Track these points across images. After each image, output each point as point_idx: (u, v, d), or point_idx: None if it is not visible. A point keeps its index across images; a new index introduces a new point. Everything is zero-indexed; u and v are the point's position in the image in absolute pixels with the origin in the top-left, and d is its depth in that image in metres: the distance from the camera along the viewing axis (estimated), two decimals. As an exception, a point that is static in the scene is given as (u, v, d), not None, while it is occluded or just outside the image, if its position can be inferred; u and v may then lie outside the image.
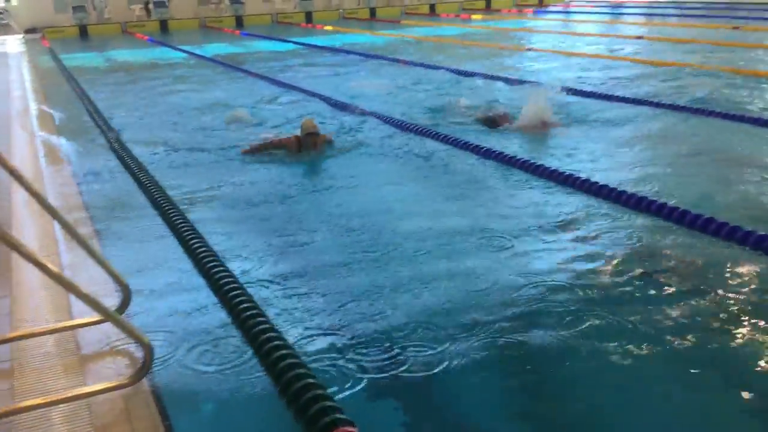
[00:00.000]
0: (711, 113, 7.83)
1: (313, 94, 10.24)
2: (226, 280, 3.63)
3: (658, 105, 8.45)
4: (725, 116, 7.67)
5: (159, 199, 5.28)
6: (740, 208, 5.02)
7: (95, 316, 3.22)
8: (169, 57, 16.99)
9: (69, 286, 2.68)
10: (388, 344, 3.30)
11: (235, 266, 4.08)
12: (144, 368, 2.83)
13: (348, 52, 15.94)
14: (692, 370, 3.15)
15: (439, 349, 3.25)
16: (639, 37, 16.46)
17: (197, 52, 17.30)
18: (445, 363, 3.15)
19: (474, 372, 3.11)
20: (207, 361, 3.17)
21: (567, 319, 3.51)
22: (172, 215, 4.82)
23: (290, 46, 18.04)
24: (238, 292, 3.49)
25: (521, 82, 10.46)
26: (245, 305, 3.35)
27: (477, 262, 4.23)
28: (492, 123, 7.80)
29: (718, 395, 3.00)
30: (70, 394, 2.79)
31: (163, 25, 25.77)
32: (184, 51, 17.67)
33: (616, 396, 3.00)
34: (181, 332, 3.44)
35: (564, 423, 2.87)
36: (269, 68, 13.56)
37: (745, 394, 2.96)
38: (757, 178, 5.74)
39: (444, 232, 4.75)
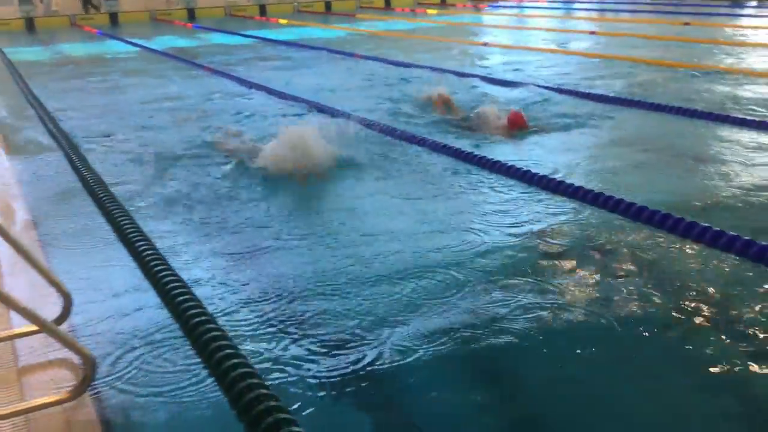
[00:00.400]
0: (665, 108, 7.91)
1: (270, 90, 10.05)
2: (174, 285, 3.47)
3: (613, 100, 8.51)
4: (678, 111, 7.75)
5: (105, 200, 5.07)
6: (695, 204, 5.06)
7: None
8: (119, 50, 16.57)
9: (4, 299, 2.52)
10: (349, 351, 3.20)
11: (186, 273, 3.91)
12: (85, 382, 2.68)
13: (304, 46, 15.75)
14: (645, 360, 3.17)
15: (402, 350, 3.18)
16: (592, 33, 16.63)
17: (149, 45, 16.91)
18: (407, 363, 3.08)
19: (436, 370, 3.06)
20: (156, 374, 3.03)
21: (528, 313, 3.49)
22: (119, 218, 4.63)
23: (245, 40, 17.75)
24: (187, 297, 3.34)
25: (483, 77, 10.43)
26: (194, 311, 3.21)
27: (438, 259, 4.17)
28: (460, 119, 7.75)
29: (670, 385, 2.99)
30: (9, 410, 2.63)
31: (113, 18, 25.15)
32: (135, 44, 17.25)
33: (574, 388, 2.98)
34: (128, 343, 3.29)
35: (521, 416, 2.83)
36: (223, 62, 13.30)
37: (695, 383, 2.98)
38: (710, 173, 5.79)
39: (404, 230, 4.69)
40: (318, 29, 20.25)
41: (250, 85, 10.59)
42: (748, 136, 6.86)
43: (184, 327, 3.17)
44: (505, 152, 6.52)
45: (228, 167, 6.25)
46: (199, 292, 3.63)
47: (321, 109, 8.47)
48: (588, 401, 2.92)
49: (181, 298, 3.36)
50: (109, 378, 2.98)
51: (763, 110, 7.84)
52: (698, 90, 9.13)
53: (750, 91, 8.98)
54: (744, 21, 18.55)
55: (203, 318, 3.19)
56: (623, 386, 3.00)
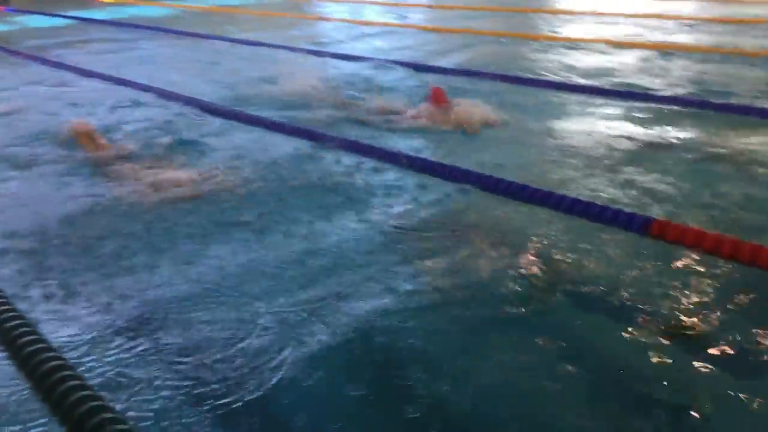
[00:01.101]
0: (504, 78, 8.18)
1: (100, 76, 9.30)
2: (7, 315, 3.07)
3: (456, 72, 8.68)
4: (517, 80, 8.04)
5: None
6: (548, 171, 5.21)
7: None
8: None
9: None
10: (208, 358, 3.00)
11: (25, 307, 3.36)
12: None
13: (134, 25, 14.81)
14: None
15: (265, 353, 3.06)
16: (428, 7, 16.95)
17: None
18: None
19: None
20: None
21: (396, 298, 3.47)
22: None
23: (66, 21, 16.40)
24: (26, 330, 2.96)
25: (331, 54, 10.27)
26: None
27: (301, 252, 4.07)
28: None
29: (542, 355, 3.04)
30: None
31: None
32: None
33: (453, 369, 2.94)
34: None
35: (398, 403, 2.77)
36: (43, 47, 12.12)
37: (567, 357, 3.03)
38: (557, 143, 6.02)
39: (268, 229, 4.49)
40: (148, 7, 19.13)
41: (76, 71, 9.74)
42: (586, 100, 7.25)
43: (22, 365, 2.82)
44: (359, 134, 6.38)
45: (66, 167, 5.61)
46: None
47: (160, 95, 7.94)
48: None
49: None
50: None
51: (585, 76, 8.34)
52: (533, 59, 9.53)
53: (579, 58, 9.51)
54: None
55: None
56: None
